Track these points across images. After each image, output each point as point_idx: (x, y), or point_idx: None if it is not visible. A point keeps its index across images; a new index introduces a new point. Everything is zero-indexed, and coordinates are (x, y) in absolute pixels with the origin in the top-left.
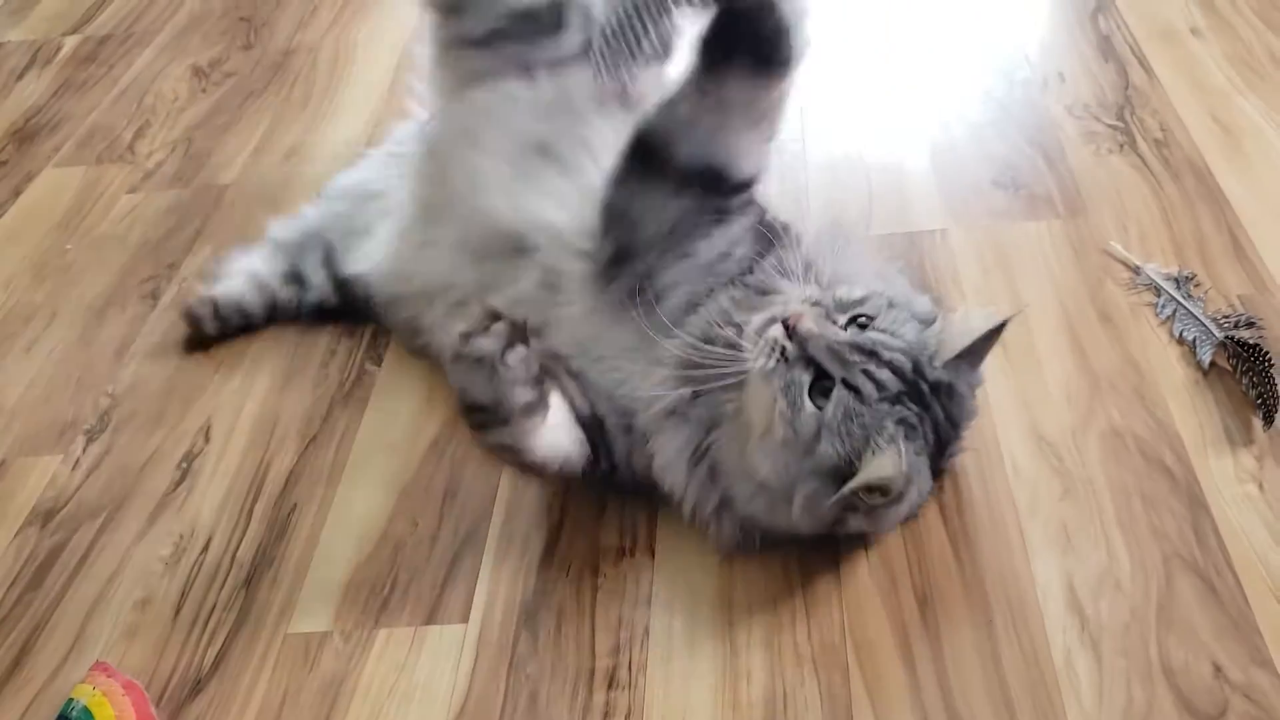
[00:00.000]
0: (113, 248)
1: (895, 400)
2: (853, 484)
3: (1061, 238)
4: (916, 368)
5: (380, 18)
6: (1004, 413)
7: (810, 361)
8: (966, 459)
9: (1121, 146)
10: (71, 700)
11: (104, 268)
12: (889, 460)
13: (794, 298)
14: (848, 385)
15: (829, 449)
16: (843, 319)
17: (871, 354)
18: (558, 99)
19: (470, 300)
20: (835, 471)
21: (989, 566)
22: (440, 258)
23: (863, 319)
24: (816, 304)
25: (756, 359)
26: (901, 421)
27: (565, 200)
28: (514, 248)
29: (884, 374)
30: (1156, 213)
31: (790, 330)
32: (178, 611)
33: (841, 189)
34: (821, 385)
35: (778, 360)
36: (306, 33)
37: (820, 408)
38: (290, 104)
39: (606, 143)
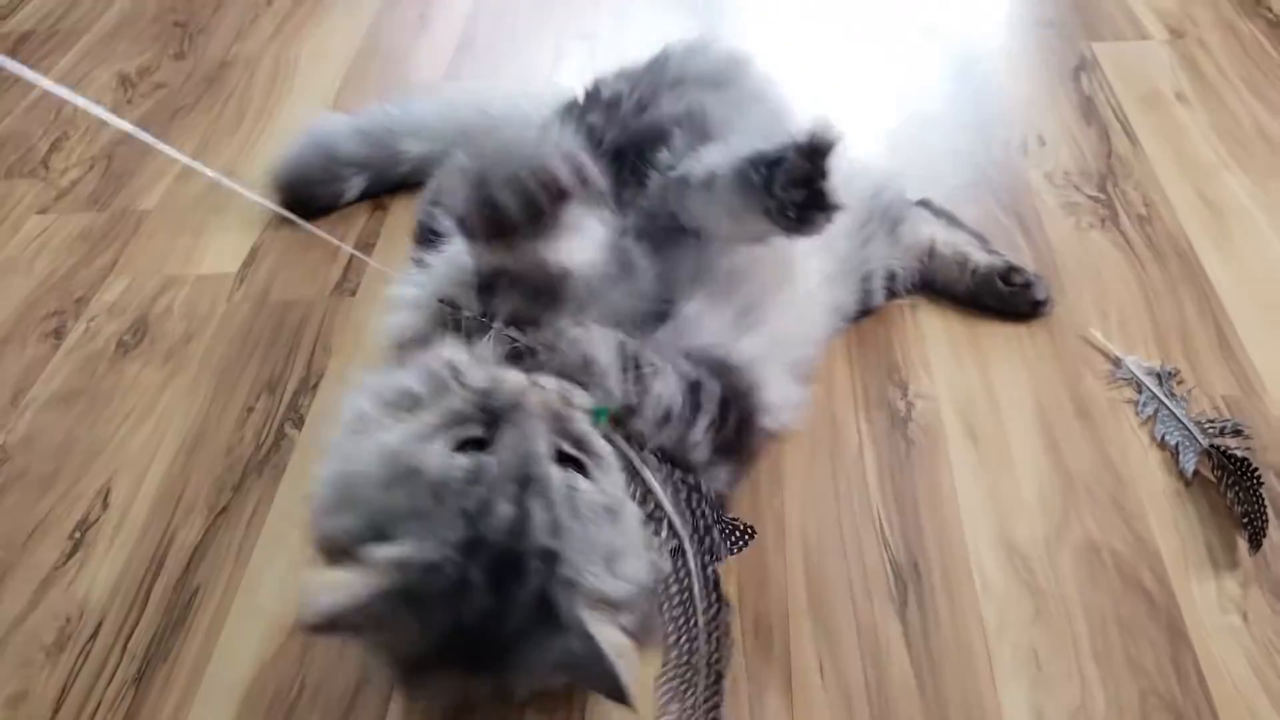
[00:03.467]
0: (16, 276)
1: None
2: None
3: (1038, 320)
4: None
5: (327, 30)
6: (973, 514)
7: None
8: (934, 572)
9: (1103, 221)
10: None
11: (4, 298)
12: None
13: None
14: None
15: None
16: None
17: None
18: None
19: None
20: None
21: (954, 696)
22: None
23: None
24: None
25: None
26: None
27: None
28: None
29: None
30: (1139, 297)
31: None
32: (56, 710)
33: None
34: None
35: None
36: (246, 43)
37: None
38: (223, 122)
39: None
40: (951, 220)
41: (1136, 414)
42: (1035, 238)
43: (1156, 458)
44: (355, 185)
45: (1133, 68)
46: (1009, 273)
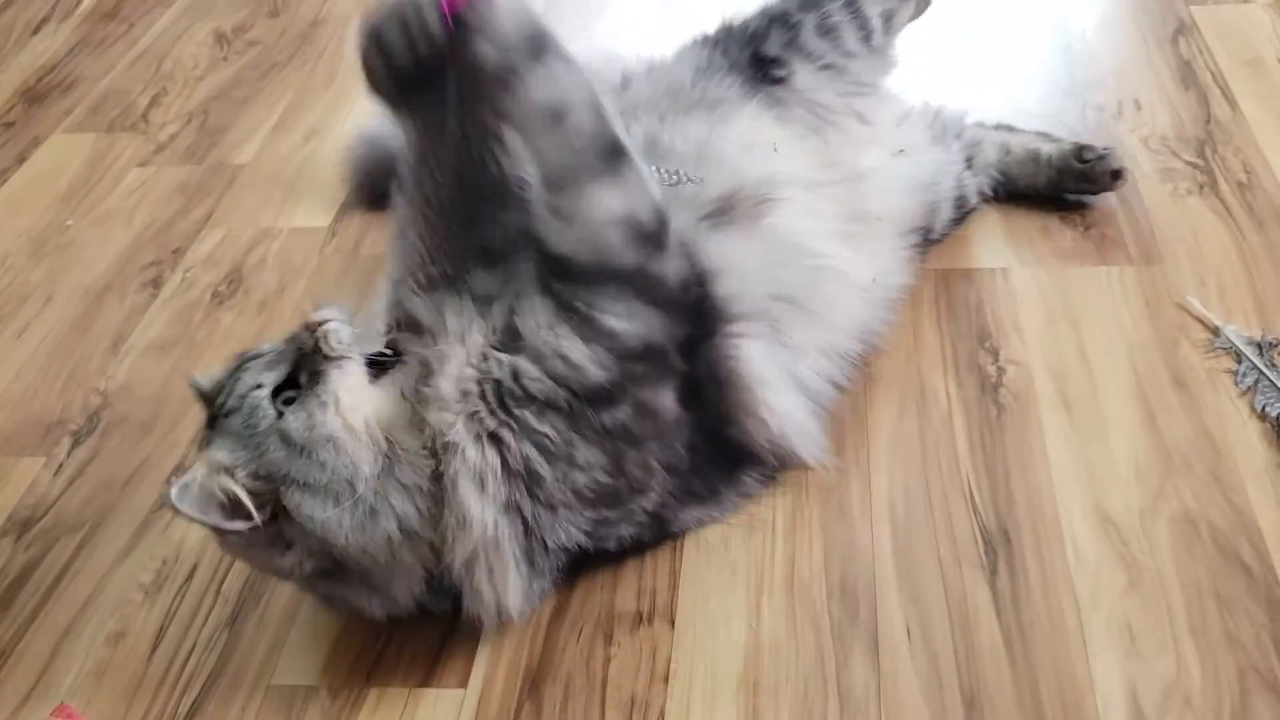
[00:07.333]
0: (117, 226)
1: None
2: None
3: (1134, 286)
4: None
5: None
6: (1066, 483)
7: None
8: (1025, 540)
9: (1201, 187)
10: None
11: (106, 248)
12: None
13: None
14: None
15: None
16: None
17: None
18: None
19: None
20: None
21: (1044, 666)
22: None
23: None
24: None
25: None
26: None
27: None
28: None
29: None
30: (1238, 265)
31: None
32: (154, 649)
33: None
34: None
35: None
36: (337, 2)
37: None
38: (314, 80)
39: None
40: (1010, 128)
41: (1235, 384)
42: (1132, 204)
43: (1256, 429)
44: None
45: (1233, 31)
46: (1081, 151)
